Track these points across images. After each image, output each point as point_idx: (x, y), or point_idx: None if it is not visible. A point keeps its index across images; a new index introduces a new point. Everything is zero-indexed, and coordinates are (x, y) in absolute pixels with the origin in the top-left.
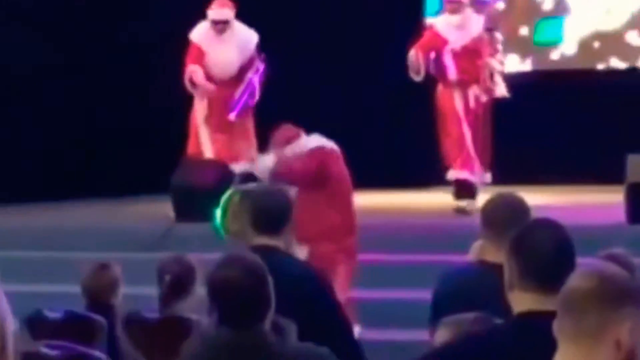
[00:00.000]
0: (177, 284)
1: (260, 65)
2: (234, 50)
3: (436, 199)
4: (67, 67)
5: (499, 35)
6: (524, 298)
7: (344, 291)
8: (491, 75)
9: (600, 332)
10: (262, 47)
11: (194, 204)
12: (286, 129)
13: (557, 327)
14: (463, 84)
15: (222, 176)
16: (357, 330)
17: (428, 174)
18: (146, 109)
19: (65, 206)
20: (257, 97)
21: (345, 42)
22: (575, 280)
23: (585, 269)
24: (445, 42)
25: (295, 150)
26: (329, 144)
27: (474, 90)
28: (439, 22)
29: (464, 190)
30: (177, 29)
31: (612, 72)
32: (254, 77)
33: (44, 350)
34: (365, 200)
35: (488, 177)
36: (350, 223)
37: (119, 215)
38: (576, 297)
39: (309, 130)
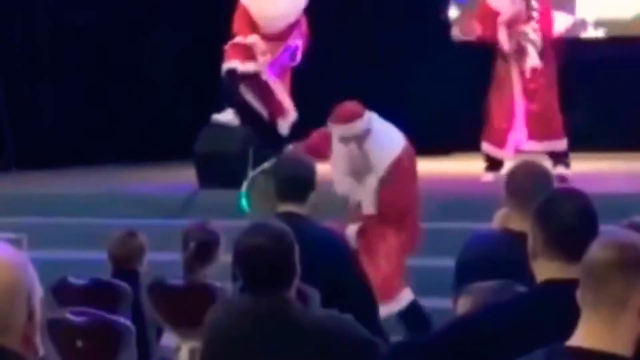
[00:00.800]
0: (201, 250)
1: (303, 28)
2: (286, 3)
3: (459, 166)
4: (97, 31)
5: (534, 3)
6: (548, 266)
7: (390, 262)
8: (519, 44)
9: (623, 301)
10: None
11: (217, 171)
12: (349, 106)
13: (579, 297)
14: (520, 55)
15: (246, 143)
16: (409, 295)
17: (451, 140)
18: (172, 75)
19: (90, 173)
20: (297, 61)
21: (375, 12)
22: (595, 251)
23: (605, 238)
24: (497, 14)
25: (354, 131)
26: (401, 142)
27: (529, 62)
28: None
29: (490, 163)
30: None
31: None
32: (295, 40)
33: (69, 316)
34: None
35: (561, 144)
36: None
37: (143, 182)
38: (597, 267)
39: (334, 99)
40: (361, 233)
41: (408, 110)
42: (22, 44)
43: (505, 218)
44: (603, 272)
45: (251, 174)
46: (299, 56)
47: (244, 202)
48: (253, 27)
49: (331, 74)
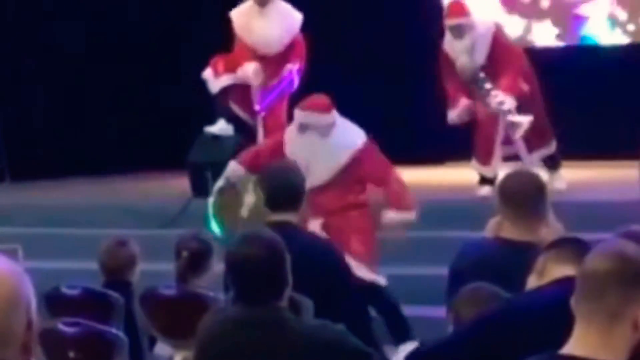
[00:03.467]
0: (194, 260)
1: (300, 49)
2: (277, 25)
3: (453, 175)
4: (90, 42)
5: (482, 75)
6: (558, 268)
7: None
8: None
9: (619, 313)
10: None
11: (210, 180)
12: (320, 98)
13: (575, 306)
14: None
15: (240, 150)
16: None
17: (444, 150)
18: (166, 85)
19: (83, 183)
20: (295, 87)
21: (362, 16)
22: (594, 262)
23: (604, 249)
24: (452, 65)
25: (323, 121)
26: (362, 137)
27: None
28: (447, 44)
29: (483, 178)
30: (211, 9)
31: (621, 47)
32: (292, 66)
33: (62, 327)
34: None
35: (551, 148)
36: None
37: (136, 191)
38: (596, 278)
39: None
40: (326, 227)
41: (403, 120)
42: (12, 55)
43: (498, 226)
44: (601, 283)
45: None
46: (296, 82)
47: (214, 226)
48: (249, 51)
49: (326, 82)
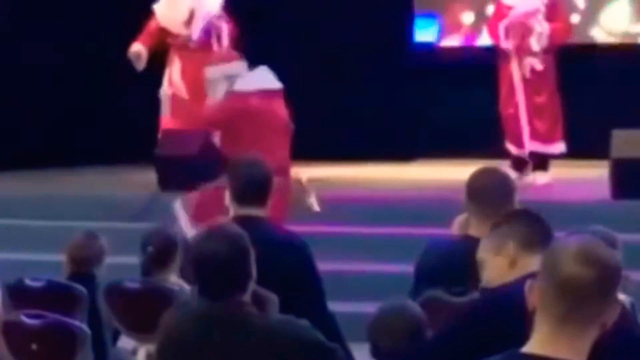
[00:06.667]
0: (159, 255)
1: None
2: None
3: (420, 172)
4: (62, 34)
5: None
6: None
7: None
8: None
9: (596, 317)
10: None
11: (177, 174)
12: (226, 51)
13: (542, 307)
14: (519, 53)
15: (206, 145)
16: None
17: (413, 147)
18: (132, 76)
19: (50, 175)
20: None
21: (335, 13)
22: (573, 268)
23: (583, 252)
24: (509, 8)
25: (226, 72)
26: (250, 86)
27: (529, 60)
28: None
29: (513, 163)
30: None
31: (593, 47)
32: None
33: (24, 319)
34: (349, 172)
35: (559, 147)
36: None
37: (103, 184)
38: (577, 287)
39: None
40: None
41: (370, 117)
42: None
43: (464, 223)
44: (584, 292)
45: None
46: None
47: None
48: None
49: (299, 79)
